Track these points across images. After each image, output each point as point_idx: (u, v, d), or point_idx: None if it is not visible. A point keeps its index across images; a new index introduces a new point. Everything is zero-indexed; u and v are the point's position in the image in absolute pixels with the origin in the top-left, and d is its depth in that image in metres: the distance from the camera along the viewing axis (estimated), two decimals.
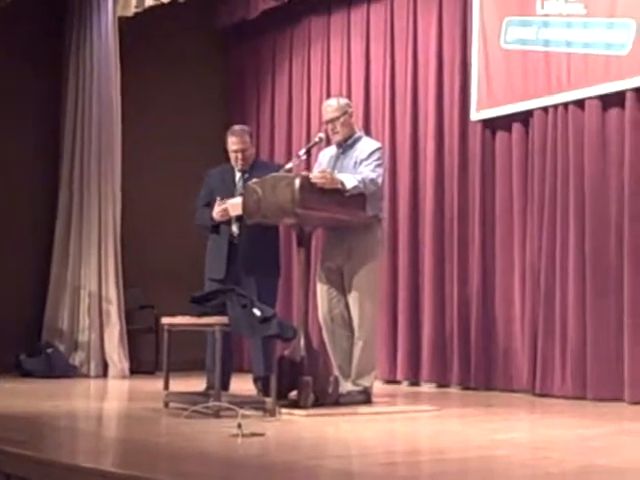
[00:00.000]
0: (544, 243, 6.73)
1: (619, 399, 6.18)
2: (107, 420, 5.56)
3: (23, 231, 8.64)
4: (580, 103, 6.61)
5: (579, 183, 6.57)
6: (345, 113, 5.95)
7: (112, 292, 8.44)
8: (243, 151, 6.24)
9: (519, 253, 7.01)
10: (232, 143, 6.27)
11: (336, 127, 5.92)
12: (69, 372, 8.10)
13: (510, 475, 3.49)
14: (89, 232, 8.52)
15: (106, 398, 7.16)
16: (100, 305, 8.44)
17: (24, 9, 8.51)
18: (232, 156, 6.28)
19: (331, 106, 6.01)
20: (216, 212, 6.13)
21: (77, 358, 8.37)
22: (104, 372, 8.35)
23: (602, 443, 4.35)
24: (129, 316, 8.61)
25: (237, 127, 6.42)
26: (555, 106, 6.76)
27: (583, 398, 6.34)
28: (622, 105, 6.39)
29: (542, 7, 6.87)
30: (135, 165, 8.72)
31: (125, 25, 8.61)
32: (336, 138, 5.95)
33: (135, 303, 8.75)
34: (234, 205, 6.01)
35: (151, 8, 8.36)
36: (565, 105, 6.70)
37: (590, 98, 6.54)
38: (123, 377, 8.26)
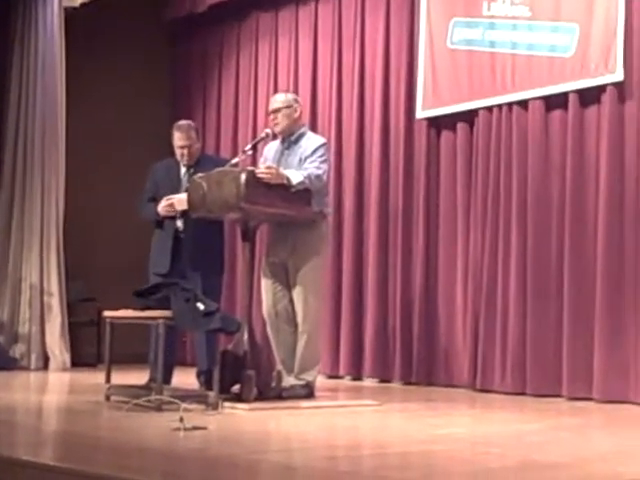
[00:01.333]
0: (487, 241, 6.82)
1: (558, 395, 6.29)
2: (47, 413, 5.51)
3: None
4: (524, 104, 6.71)
5: (522, 183, 6.67)
6: (289, 107, 5.98)
7: (54, 284, 8.36)
8: (189, 147, 6.22)
9: (462, 251, 7.09)
10: (178, 139, 6.25)
11: (277, 118, 5.95)
12: (9, 364, 8.00)
13: (450, 470, 3.54)
14: (31, 224, 8.42)
15: (47, 391, 7.10)
16: (42, 297, 8.35)
17: None
18: (177, 152, 6.26)
19: (277, 98, 6.12)
20: (162, 207, 6.10)
21: (17, 350, 8.27)
22: (45, 365, 8.27)
23: (541, 438, 4.42)
24: (71, 309, 8.53)
25: (183, 122, 6.38)
26: (499, 106, 6.85)
27: (523, 394, 6.44)
28: (565, 107, 6.49)
29: (488, 9, 6.95)
30: (79, 158, 8.64)
31: (71, 16, 8.52)
32: (276, 129, 5.98)
33: (77, 296, 8.68)
34: (180, 200, 5.99)
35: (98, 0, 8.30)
36: (509, 105, 6.79)
37: (534, 99, 6.64)
38: (64, 370, 8.18)
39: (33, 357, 8.27)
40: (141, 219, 6.43)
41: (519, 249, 6.60)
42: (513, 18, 6.78)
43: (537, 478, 3.42)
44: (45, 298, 8.36)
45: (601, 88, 6.28)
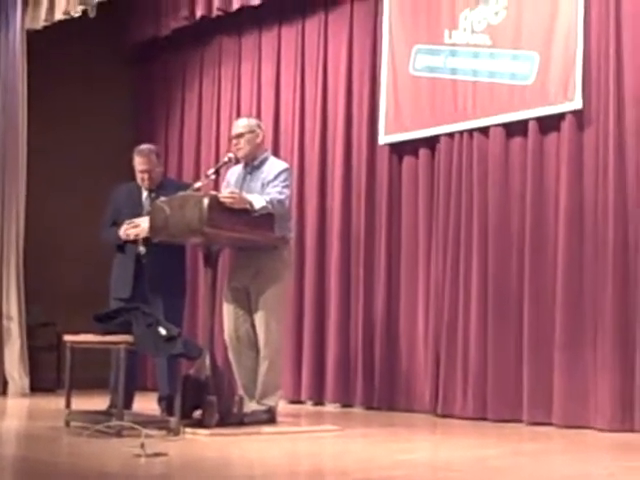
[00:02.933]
0: (448, 267, 6.86)
1: (518, 420, 6.32)
2: (6, 438, 5.43)
3: None
4: (485, 130, 6.78)
5: (483, 209, 6.72)
6: (252, 132, 6.00)
7: (13, 308, 8.28)
8: (149, 171, 6.19)
9: (423, 276, 7.12)
10: (138, 163, 6.22)
11: (240, 143, 5.97)
12: None
13: None
14: None
15: (5, 416, 7.01)
16: (0, 321, 8.26)
17: None
18: (138, 176, 6.23)
19: (240, 122, 6.14)
20: (123, 231, 6.07)
21: None
22: (4, 389, 8.16)
23: (502, 463, 4.45)
24: (31, 333, 8.45)
25: (144, 147, 6.34)
26: (461, 132, 6.91)
27: (484, 419, 6.47)
28: (525, 134, 6.57)
29: (450, 37, 7.03)
30: (40, 181, 8.59)
31: (33, 38, 8.49)
32: (239, 154, 5.99)
33: (37, 320, 8.59)
34: (144, 224, 5.96)
35: (61, 22, 8.27)
36: (470, 132, 6.85)
37: (494, 126, 6.71)
38: (23, 395, 8.09)
39: None
40: (102, 243, 6.40)
41: (480, 274, 6.65)
42: (474, 46, 6.86)
43: None
44: (4, 322, 8.27)
45: (560, 116, 6.36)
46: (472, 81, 6.84)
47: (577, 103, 6.25)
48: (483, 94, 6.77)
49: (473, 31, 6.88)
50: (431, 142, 7.15)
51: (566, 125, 6.34)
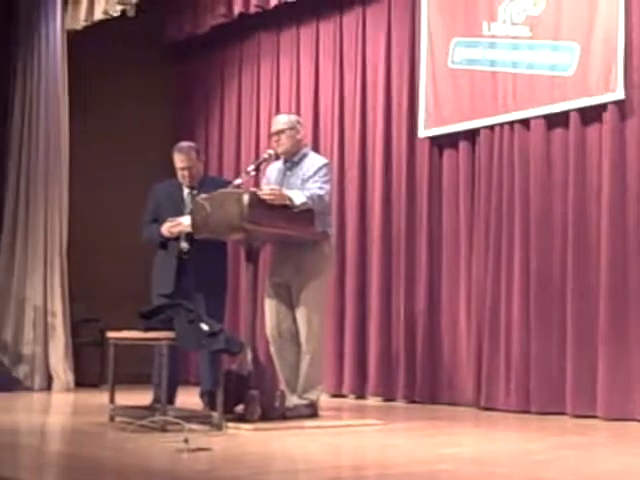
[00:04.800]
0: (490, 260, 6.82)
1: (562, 413, 6.28)
2: (51, 434, 5.50)
3: None
4: (525, 123, 6.73)
5: (524, 202, 6.68)
6: (292, 128, 6.00)
7: (57, 305, 8.37)
8: (189, 168, 6.22)
9: (465, 269, 7.09)
10: (179, 161, 6.25)
11: (281, 139, 5.98)
12: (12, 385, 8.00)
13: None
14: (35, 245, 8.44)
15: (50, 412, 7.09)
16: (45, 318, 8.35)
17: None
18: (179, 173, 6.26)
19: (280, 119, 6.13)
20: (166, 228, 6.11)
21: (21, 371, 8.27)
22: (48, 385, 8.26)
23: (546, 457, 4.41)
24: (75, 329, 8.54)
25: (183, 144, 6.38)
26: (501, 125, 6.87)
27: (527, 412, 6.43)
28: (566, 125, 6.51)
29: (489, 29, 6.99)
30: (83, 179, 8.67)
31: (74, 38, 8.56)
32: (279, 150, 6.00)
33: (81, 316, 8.68)
34: (185, 222, 6.00)
35: (100, 22, 8.34)
36: (511, 124, 6.81)
37: (535, 118, 6.66)
38: (68, 390, 8.17)
39: (37, 378, 8.27)
40: (144, 240, 6.44)
41: (522, 267, 6.61)
42: (514, 38, 6.81)
43: None
44: (49, 319, 8.37)
45: (602, 107, 6.30)
46: (512, 73, 6.80)
47: (619, 94, 6.18)
48: (523, 86, 6.72)
49: (512, 23, 6.83)
50: (471, 135, 7.12)
51: (608, 116, 6.27)
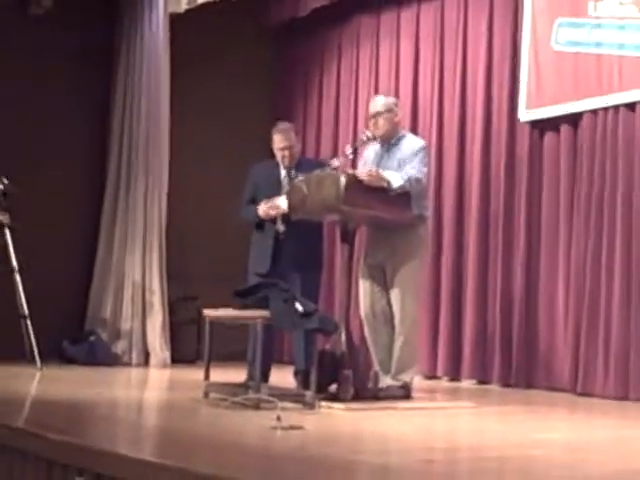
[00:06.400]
0: (590, 245, 6.69)
1: None
2: (147, 409, 5.61)
3: (70, 222, 8.71)
4: (631, 106, 6.56)
5: (627, 187, 6.52)
6: (390, 111, 5.96)
7: (155, 283, 8.50)
8: (289, 148, 6.25)
9: (564, 254, 6.97)
10: (278, 141, 6.28)
11: (378, 122, 5.93)
12: (111, 360, 8.16)
13: (548, 476, 3.48)
14: (134, 223, 8.58)
15: (147, 387, 7.23)
16: (143, 295, 8.49)
17: (76, 8, 8.61)
18: (278, 154, 6.29)
19: (378, 101, 6.08)
20: (262, 209, 6.15)
21: (119, 346, 8.43)
22: (145, 361, 8.41)
23: None
24: (172, 307, 8.67)
25: (282, 125, 6.42)
26: (605, 108, 6.71)
27: (625, 399, 6.29)
28: None
29: (595, 9, 6.82)
30: (181, 159, 8.77)
31: (176, 21, 8.66)
32: (377, 133, 5.96)
33: (178, 294, 8.81)
34: (282, 204, 6.04)
35: (202, 5, 8.40)
36: (616, 108, 6.64)
37: None
38: (164, 366, 8.30)
39: (134, 353, 8.42)
40: (241, 220, 6.49)
41: (623, 253, 6.46)
42: (621, 18, 6.64)
43: None
44: (147, 296, 8.50)
45: None
46: (618, 55, 6.62)
47: None
48: (630, 68, 6.54)
49: (620, 2, 6.65)
50: (573, 119, 6.97)
51: None
